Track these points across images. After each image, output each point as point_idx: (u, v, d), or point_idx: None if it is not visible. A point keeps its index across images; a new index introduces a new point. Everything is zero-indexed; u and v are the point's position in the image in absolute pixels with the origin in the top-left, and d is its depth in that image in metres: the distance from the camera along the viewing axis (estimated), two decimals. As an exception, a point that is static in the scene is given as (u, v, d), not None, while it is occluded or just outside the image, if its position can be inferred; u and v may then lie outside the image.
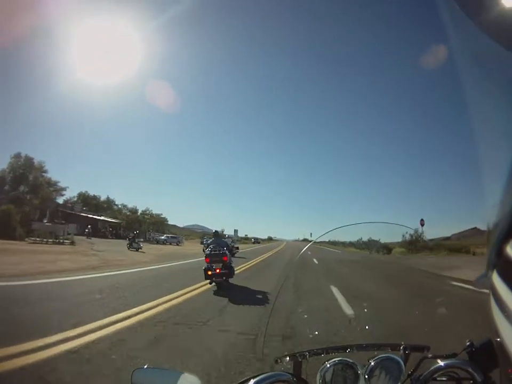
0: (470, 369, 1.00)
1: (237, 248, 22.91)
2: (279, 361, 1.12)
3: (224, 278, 8.87)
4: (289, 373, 0.99)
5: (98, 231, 50.31)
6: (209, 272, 8.78)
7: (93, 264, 14.25)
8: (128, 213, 61.07)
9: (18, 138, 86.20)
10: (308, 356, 1.09)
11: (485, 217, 0.71)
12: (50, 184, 45.10)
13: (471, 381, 1.00)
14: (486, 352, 0.97)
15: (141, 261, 18.17)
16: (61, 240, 25.84)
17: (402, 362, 1.07)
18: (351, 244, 53.75)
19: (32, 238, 24.68)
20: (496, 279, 0.67)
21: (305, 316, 6.23)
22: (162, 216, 70.61)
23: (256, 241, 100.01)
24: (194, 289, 8.62)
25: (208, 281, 8.93)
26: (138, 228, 57.30)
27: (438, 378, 1.04)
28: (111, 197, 65.61)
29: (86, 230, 38.90)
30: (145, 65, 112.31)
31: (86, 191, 61.68)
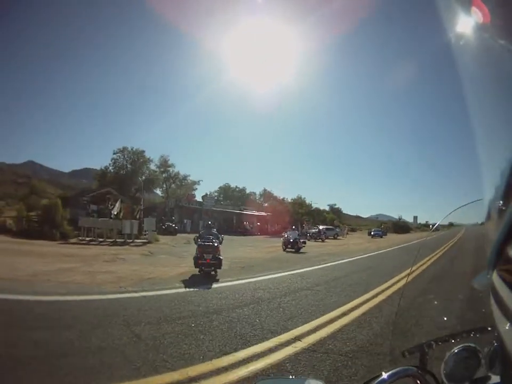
0: None
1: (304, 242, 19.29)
2: (406, 354, 1.11)
3: (213, 268, 9.02)
4: (415, 366, 0.98)
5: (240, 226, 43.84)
6: (200, 262, 8.92)
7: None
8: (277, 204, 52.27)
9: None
10: (434, 345, 1.08)
11: (485, 218, 0.72)
12: (178, 178, 40.71)
13: None
14: None
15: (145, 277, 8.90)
16: (126, 240, 17.85)
17: None
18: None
19: (81, 238, 17.95)
20: (496, 279, 0.67)
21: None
22: (336, 206, 61.13)
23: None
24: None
25: None
26: (290, 220, 49.48)
27: None
28: (269, 189, 58.20)
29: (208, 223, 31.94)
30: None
31: (227, 183, 56.26)
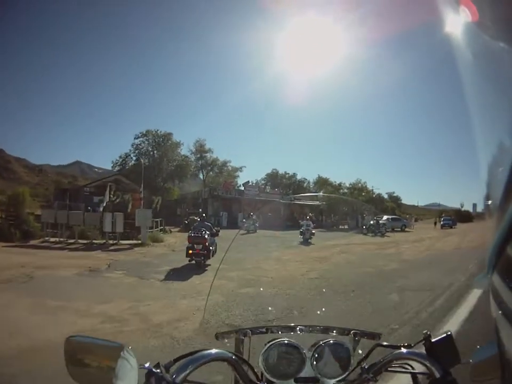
0: (427, 363, 0.89)
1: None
2: (220, 337, 1.07)
3: (202, 257, 9.23)
4: (230, 352, 0.92)
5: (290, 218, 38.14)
6: (190, 251, 9.22)
7: None
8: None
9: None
10: (250, 334, 1.06)
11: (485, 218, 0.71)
12: (216, 165, 35.78)
13: (427, 375, 0.90)
14: (445, 347, 0.90)
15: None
16: (107, 241, 13.20)
17: (351, 348, 0.99)
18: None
19: (47, 238, 13.70)
20: (496, 279, 0.67)
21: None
22: (395, 194, 51.97)
23: None
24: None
25: None
26: (346, 211, 42.32)
27: (390, 369, 0.95)
28: (325, 175, 50.20)
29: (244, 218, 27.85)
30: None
31: (275, 169, 49.70)
